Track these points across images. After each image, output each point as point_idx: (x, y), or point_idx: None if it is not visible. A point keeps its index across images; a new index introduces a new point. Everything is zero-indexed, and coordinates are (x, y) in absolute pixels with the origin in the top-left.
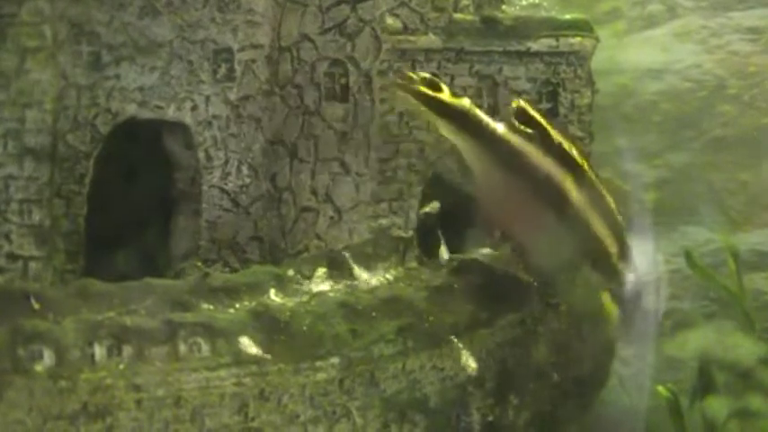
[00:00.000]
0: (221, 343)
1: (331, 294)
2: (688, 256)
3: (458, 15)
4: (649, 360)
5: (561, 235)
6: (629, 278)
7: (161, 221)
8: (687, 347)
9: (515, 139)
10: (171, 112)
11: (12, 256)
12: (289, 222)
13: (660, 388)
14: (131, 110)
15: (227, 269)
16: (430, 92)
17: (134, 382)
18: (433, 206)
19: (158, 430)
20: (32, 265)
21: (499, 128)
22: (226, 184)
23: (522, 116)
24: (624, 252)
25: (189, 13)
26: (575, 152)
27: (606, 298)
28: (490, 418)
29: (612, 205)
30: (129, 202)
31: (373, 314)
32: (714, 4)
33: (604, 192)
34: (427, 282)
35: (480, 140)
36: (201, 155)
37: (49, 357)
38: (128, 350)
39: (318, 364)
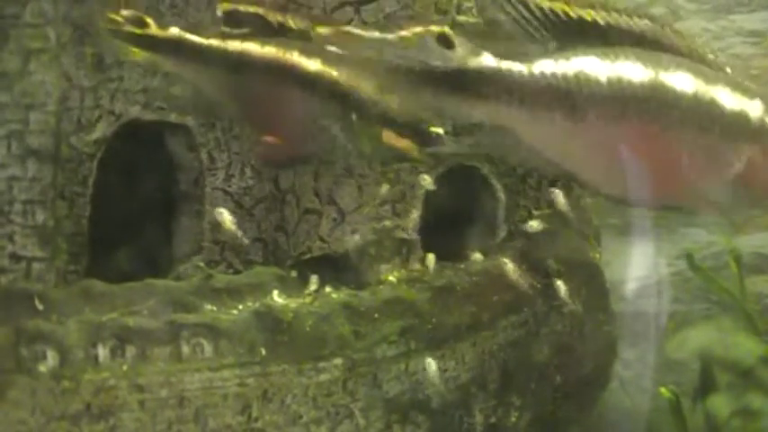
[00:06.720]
0: (224, 344)
1: (334, 295)
2: (689, 258)
3: (460, 18)
4: (651, 362)
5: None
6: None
7: (163, 223)
8: (688, 347)
9: (233, 45)
10: (174, 114)
11: (15, 257)
12: (292, 224)
13: (662, 389)
14: (135, 111)
15: (230, 270)
16: (137, 30)
17: (137, 383)
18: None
19: (161, 431)
20: (35, 265)
21: (214, 43)
22: (229, 185)
23: (232, 18)
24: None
25: (192, 15)
26: (292, 20)
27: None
28: (492, 420)
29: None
30: (132, 204)
31: (376, 315)
32: (716, 7)
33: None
34: (430, 283)
35: (205, 62)
36: (204, 156)
37: (52, 358)
38: (131, 351)
39: (321, 365)
